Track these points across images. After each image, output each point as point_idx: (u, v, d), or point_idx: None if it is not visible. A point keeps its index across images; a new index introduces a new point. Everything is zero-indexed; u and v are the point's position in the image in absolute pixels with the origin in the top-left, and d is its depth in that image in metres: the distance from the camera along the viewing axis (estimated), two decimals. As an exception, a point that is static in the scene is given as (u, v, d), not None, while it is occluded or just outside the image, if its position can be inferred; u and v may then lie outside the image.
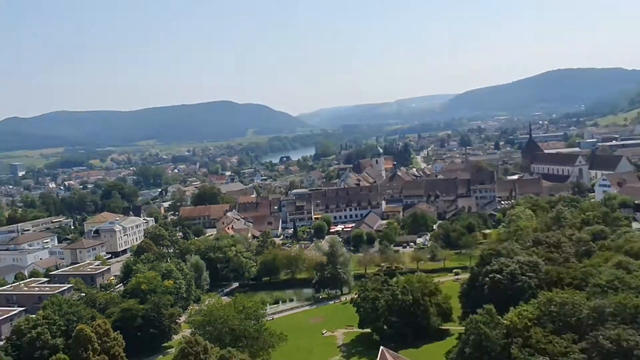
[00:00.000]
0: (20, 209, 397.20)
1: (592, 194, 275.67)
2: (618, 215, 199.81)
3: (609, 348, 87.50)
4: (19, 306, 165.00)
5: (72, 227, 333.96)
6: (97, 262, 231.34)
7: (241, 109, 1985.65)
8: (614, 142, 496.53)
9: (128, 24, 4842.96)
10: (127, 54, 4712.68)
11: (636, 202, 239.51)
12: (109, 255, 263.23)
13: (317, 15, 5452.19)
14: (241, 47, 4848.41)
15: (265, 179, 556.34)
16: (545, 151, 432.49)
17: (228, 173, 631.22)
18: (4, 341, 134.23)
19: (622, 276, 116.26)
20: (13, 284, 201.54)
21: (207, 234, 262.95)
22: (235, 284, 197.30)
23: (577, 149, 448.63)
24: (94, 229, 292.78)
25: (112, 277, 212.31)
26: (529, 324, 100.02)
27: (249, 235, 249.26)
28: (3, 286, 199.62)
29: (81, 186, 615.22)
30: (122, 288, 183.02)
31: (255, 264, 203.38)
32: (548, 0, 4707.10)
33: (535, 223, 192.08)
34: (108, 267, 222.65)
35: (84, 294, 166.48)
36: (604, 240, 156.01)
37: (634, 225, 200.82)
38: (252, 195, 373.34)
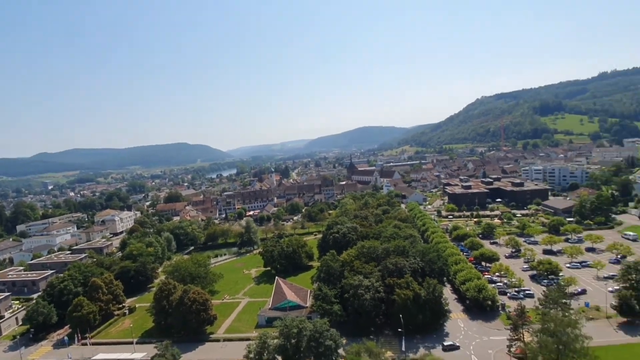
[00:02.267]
0: (50, 209, 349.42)
1: (382, 190, 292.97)
2: (394, 200, 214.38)
3: (392, 268, 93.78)
4: (51, 270, 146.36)
5: (86, 220, 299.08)
6: (104, 240, 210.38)
7: (192, 147, 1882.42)
8: (391, 163, 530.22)
9: (120, 88, 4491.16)
10: (123, 111, 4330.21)
11: (403, 193, 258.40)
12: (112, 235, 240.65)
13: (237, 93, 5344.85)
14: (192, 108, 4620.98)
15: (208, 187, 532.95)
16: (359, 168, 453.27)
17: (186, 184, 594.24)
18: (42, 292, 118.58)
19: (397, 231, 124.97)
20: (47, 256, 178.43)
21: (173, 220, 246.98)
22: (192, 247, 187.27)
23: (374, 167, 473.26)
24: (101, 220, 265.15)
25: (114, 248, 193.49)
26: (353, 258, 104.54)
27: (199, 219, 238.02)
28: (40, 257, 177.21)
29: (92, 194, 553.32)
30: (120, 254, 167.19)
31: (203, 235, 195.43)
32: (353, 85, 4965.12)
33: (355, 206, 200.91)
34: (111, 242, 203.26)
35: (95, 260, 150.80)
36: (388, 214, 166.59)
37: (402, 205, 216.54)
38: (200, 196, 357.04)
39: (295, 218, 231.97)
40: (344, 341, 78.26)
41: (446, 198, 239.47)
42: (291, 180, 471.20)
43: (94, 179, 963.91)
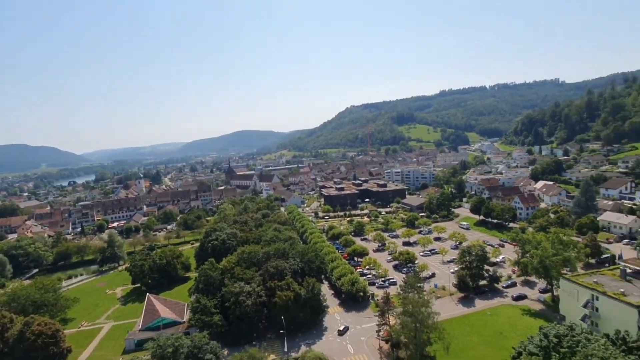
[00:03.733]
0: None
1: (262, 194, 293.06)
2: (274, 204, 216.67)
3: (273, 271, 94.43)
4: None
5: None
6: None
7: (35, 149, 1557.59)
8: (270, 167, 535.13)
9: None
10: None
11: (282, 197, 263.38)
12: None
13: (95, 87, 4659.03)
14: (33, 102, 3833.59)
15: (58, 197, 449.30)
16: (238, 173, 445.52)
17: (26, 194, 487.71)
18: None
19: (277, 234, 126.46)
20: None
21: (8, 238, 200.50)
22: (36, 270, 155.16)
23: (253, 171, 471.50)
24: None
25: None
26: (233, 265, 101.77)
27: (46, 235, 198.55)
28: None
29: None
30: None
31: (51, 254, 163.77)
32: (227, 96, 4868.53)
33: (234, 211, 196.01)
34: None
35: None
36: (268, 217, 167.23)
37: (282, 209, 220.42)
38: (47, 208, 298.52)
39: (169, 227, 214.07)
40: (226, 352, 75.92)
41: (322, 200, 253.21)
42: (164, 186, 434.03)
43: None
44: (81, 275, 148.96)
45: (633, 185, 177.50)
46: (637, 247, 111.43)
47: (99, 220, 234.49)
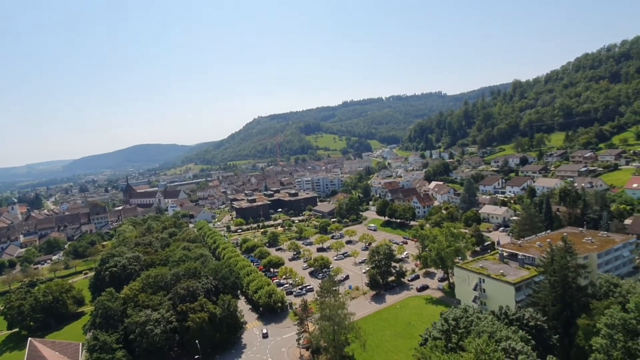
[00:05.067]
0: None
1: (167, 212, 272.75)
2: (182, 221, 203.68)
3: (183, 293, 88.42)
4: None
5: None
6: None
7: None
8: (176, 183, 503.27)
9: None
10: None
11: (191, 213, 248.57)
12: None
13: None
14: None
15: None
16: (138, 191, 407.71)
17: None
18: None
19: (187, 253, 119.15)
20: None
21: None
22: None
23: (156, 188, 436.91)
24: None
25: None
26: (137, 292, 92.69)
27: None
28: None
29: None
30: None
31: None
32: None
33: (136, 233, 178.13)
34: None
35: None
36: (175, 236, 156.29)
37: (191, 225, 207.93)
38: None
39: (54, 258, 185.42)
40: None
41: (234, 213, 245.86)
42: (45, 211, 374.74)
43: None
44: None
45: (503, 181, 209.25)
46: (510, 233, 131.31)
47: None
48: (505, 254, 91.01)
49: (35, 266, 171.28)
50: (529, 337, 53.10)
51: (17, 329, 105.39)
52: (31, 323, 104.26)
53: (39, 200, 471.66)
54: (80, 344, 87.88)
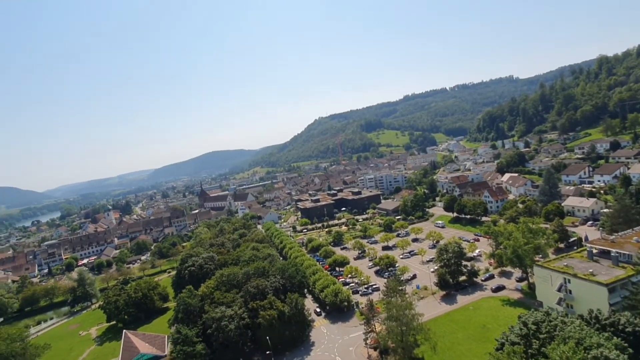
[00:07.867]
0: None
1: (237, 214, 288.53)
2: (250, 223, 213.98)
3: (254, 291, 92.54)
4: None
5: None
6: None
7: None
8: (244, 186, 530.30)
9: None
10: None
11: (258, 214, 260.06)
12: None
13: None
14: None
15: (20, 239, 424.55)
16: (211, 195, 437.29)
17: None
18: None
19: (255, 253, 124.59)
20: None
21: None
22: (0, 319, 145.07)
23: (227, 191, 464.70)
24: None
25: None
26: (213, 290, 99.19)
27: (9, 281, 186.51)
28: None
29: None
30: None
31: (17, 300, 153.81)
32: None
33: (210, 234, 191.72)
34: None
35: None
36: (245, 237, 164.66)
37: (259, 226, 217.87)
38: (8, 252, 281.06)
39: (143, 258, 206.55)
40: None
41: (299, 213, 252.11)
42: (134, 216, 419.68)
43: None
44: (51, 319, 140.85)
45: (590, 169, 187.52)
46: (600, 228, 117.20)
47: (67, 258, 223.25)
48: (595, 251, 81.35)
49: (128, 265, 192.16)
50: (626, 344, 46.83)
51: (114, 322, 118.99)
52: (125, 317, 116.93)
53: (129, 206, 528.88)
54: (166, 336, 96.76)
